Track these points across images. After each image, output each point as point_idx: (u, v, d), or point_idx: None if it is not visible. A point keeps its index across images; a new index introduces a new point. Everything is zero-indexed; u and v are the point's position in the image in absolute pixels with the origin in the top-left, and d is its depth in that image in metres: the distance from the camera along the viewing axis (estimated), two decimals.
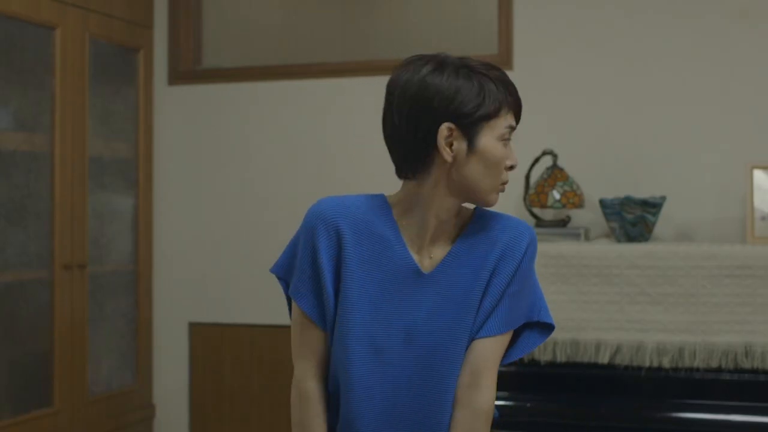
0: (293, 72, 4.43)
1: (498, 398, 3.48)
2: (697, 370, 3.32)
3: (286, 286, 2.12)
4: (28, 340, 3.97)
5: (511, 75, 4.12)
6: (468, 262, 2.09)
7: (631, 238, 3.62)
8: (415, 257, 2.08)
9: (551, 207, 3.82)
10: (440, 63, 2.01)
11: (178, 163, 4.58)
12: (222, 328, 4.53)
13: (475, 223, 2.13)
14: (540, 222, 3.89)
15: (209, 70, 4.60)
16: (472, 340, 2.09)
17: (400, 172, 2.07)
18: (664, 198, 3.66)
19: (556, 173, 3.85)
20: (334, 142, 4.36)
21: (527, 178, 3.91)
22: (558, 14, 4.08)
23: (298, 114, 4.41)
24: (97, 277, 4.28)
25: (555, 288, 3.43)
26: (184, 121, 4.58)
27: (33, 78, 3.98)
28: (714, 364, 3.30)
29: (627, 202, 3.61)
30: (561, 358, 3.41)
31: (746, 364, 3.28)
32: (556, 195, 3.81)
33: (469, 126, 1.99)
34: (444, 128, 1.97)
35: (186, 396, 4.59)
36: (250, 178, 4.48)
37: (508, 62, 4.09)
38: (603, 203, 3.68)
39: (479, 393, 2.07)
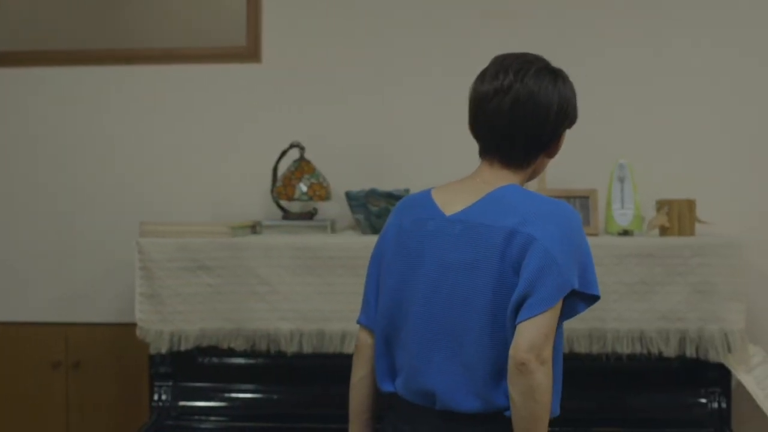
0: (35, 58, 4.23)
1: (244, 391, 3.50)
2: None
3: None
4: None
5: (259, 67, 4.14)
6: None
7: (376, 230, 3.70)
8: None
9: (298, 199, 3.84)
10: (554, 72, 2.24)
11: None
12: None
13: None
14: (287, 214, 3.90)
15: None
16: None
17: (506, 163, 2.25)
18: (407, 191, 3.76)
19: (303, 166, 3.87)
20: (78, 132, 4.21)
21: (275, 170, 3.92)
22: (308, 7, 4.10)
23: (40, 103, 4.23)
24: None
25: (301, 279, 3.45)
26: None
27: None
28: None
29: (372, 194, 3.68)
30: (307, 348, 3.44)
31: None
32: (303, 188, 3.83)
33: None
34: (564, 135, 2.26)
35: None
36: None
37: (256, 54, 4.07)
38: (349, 196, 3.73)
39: None
